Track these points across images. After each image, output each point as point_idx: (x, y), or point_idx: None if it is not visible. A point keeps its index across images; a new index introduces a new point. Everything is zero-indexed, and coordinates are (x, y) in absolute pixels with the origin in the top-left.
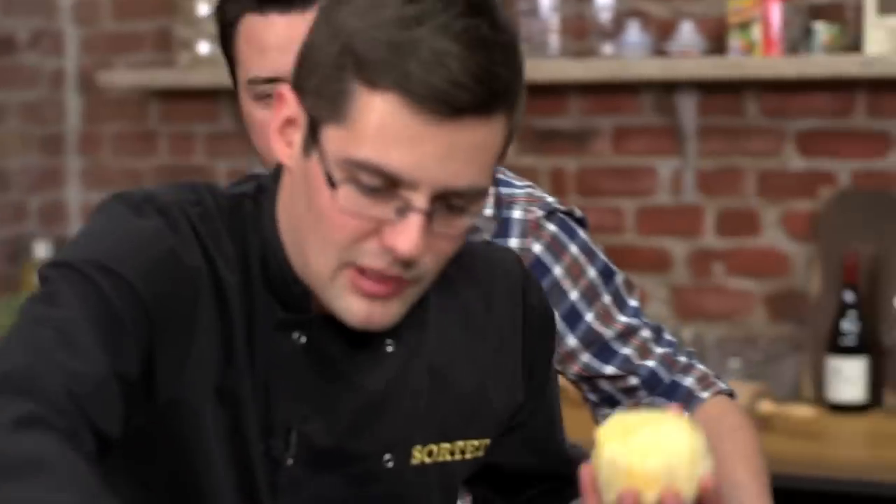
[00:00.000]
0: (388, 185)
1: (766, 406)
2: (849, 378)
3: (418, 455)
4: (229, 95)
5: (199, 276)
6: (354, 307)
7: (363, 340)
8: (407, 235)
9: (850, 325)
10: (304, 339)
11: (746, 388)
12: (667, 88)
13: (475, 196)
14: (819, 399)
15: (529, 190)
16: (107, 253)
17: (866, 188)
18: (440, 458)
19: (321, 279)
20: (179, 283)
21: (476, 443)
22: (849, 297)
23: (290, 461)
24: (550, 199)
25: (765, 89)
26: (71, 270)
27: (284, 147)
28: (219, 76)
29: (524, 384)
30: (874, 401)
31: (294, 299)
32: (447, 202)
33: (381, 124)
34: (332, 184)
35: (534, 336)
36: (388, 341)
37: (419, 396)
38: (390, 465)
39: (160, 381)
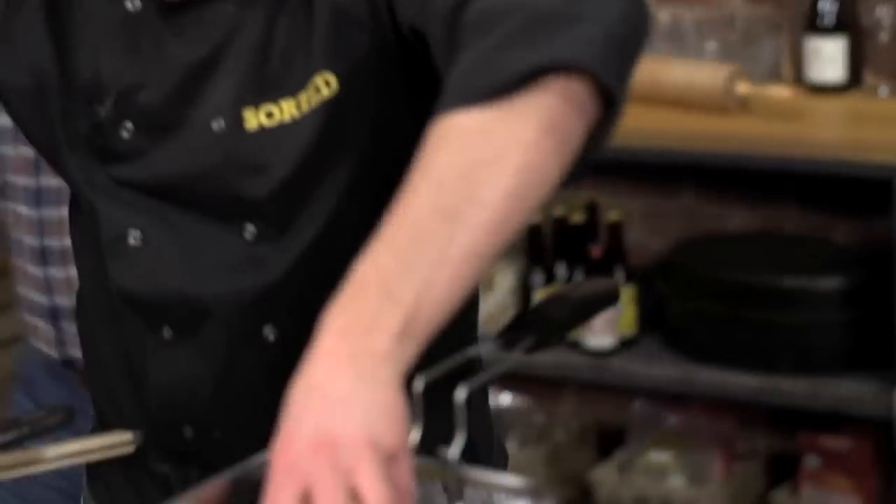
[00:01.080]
0: None
1: (744, 87)
2: (828, 58)
3: (253, 118)
4: None
5: None
6: None
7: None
8: None
9: (828, 5)
10: (138, 4)
11: (723, 68)
12: None
13: None
14: (798, 79)
15: None
16: None
17: None
18: (286, 118)
19: None
20: None
21: (323, 78)
22: None
23: (126, 133)
24: None
25: None
26: None
27: None
28: None
29: None
30: (853, 80)
31: None
32: None
33: None
34: None
35: None
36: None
37: (250, 56)
38: (217, 129)
39: None
